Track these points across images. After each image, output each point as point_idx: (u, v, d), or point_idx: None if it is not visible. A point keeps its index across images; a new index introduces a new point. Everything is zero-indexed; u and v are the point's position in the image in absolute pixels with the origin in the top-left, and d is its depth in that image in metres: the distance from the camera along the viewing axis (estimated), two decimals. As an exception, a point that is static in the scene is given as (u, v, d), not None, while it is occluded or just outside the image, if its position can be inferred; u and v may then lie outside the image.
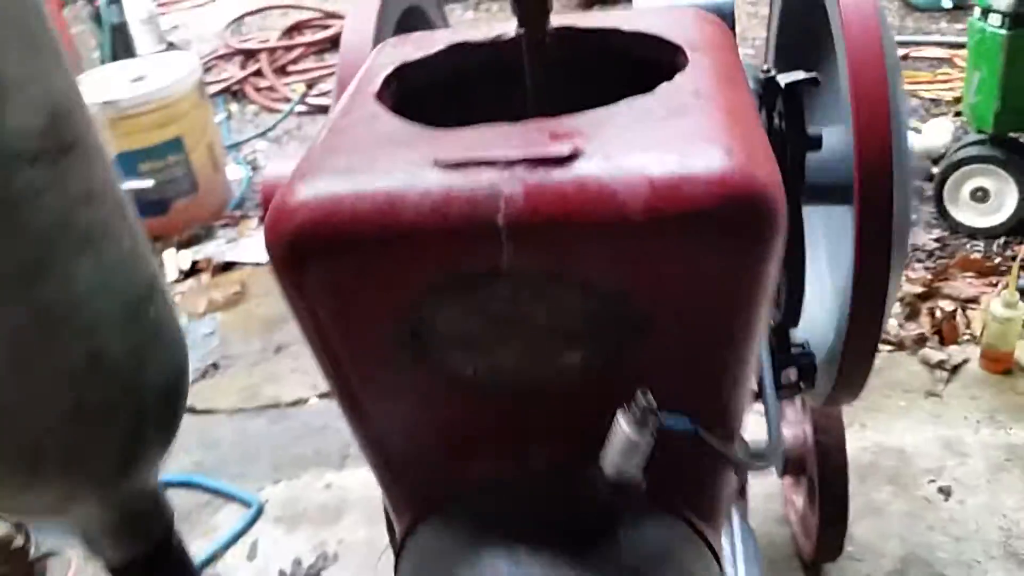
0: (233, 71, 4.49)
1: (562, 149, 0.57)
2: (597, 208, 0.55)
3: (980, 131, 2.52)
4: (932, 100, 3.46)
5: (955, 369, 2.02)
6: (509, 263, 0.56)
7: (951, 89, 3.46)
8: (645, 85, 0.68)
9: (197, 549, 1.90)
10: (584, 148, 0.56)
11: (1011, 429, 1.86)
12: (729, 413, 0.64)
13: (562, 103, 0.71)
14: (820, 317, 1.20)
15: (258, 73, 4.42)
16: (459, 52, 0.78)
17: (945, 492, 1.75)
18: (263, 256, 0.62)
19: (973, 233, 2.58)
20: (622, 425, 0.59)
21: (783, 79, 0.98)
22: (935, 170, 2.90)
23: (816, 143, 1.02)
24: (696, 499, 0.69)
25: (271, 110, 4.25)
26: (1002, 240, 2.53)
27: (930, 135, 3.05)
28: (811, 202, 1.14)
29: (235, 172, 3.56)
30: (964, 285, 2.31)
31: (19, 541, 1.56)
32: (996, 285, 2.28)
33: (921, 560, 1.62)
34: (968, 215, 2.59)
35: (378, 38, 1.07)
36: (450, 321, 0.60)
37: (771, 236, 0.56)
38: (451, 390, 0.63)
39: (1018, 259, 2.07)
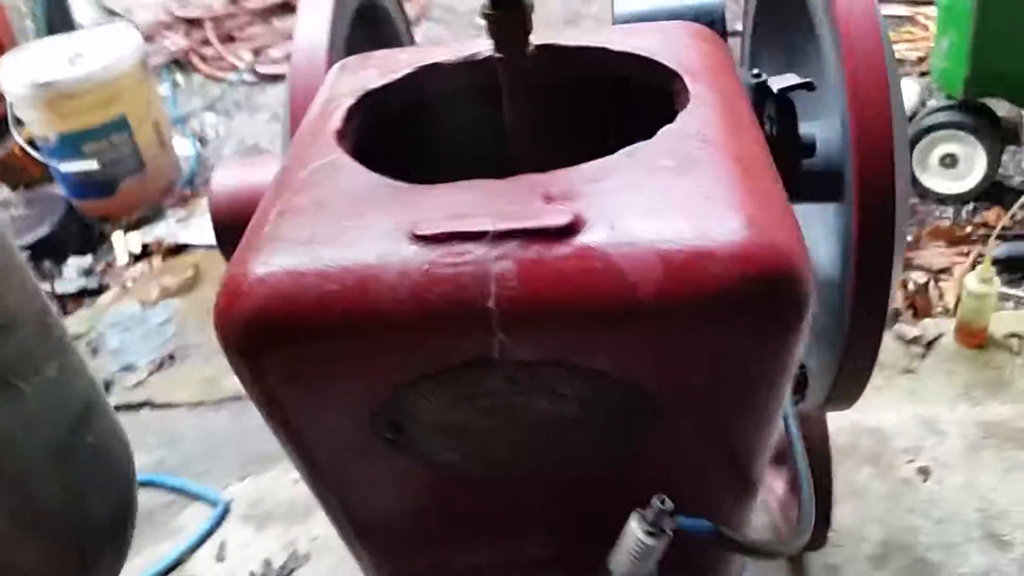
0: (177, 40, 4.29)
1: (560, 219, 0.49)
2: (603, 290, 0.48)
3: (949, 97, 2.48)
4: (898, 60, 3.42)
5: (930, 344, 2.01)
6: (502, 351, 0.49)
7: (915, 49, 3.43)
8: (640, 113, 0.61)
9: (163, 551, 1.85)
10: (584, 215, 0.49)
11: (987, 405, 1.85)
12: (749, 494, 0.59)
13: (544, 130, 0.64)
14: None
15: (204, 42, 4.24)
16: (428, 75, 0.70)
17: (924, 472, 1.74)
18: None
19: (942, 199, 2.56)
20: (636, 530, 0.53)
21: (775, 84, 0.92)
22: (902, 133, 2.88)
23: (810, 149, 0.96)
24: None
25: (218, 79, 4.08)
26: (971, 206, 2.52)
27: (896, 97, 3.02)
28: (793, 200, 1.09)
29: (183, 147, 3.42)
30: (935, 255, 2.29)
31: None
32: (967, 254, 2.27)
33: (902, 544, 1.62)
34: (937, 181, 2.57)
35: (334, 37, 0.99)
36: (434, 411, 0.52)
37: (799, 315, 0.49)
38: (438, 479, 0.56)
39: (994, 233, 2.04)
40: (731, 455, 0.56)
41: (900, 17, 3.77)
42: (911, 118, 2.97)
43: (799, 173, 0.98)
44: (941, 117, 2.51)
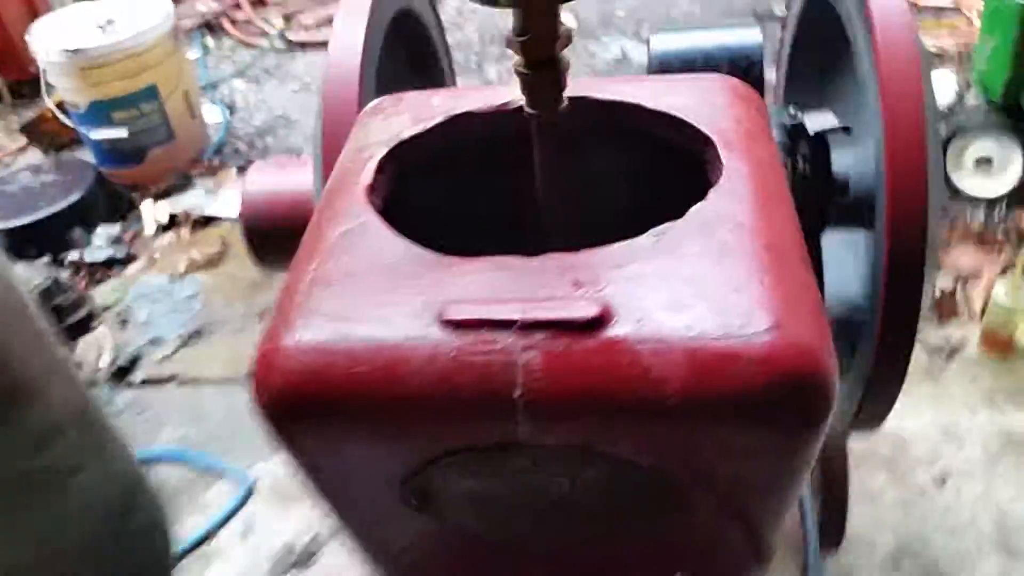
0: (209, 2, 4.28)
1: (588, 311, 0.50)
2: (629, 386, 0.48)
3: (989, 99, 2.44)
4: (936, 54, 3.35)
5: (954, 350, 2.00)
6: (526, 437, 0.50)
7: (957, 42, 3.35)
8: (673, 172, 0.61)
9: (189, 528, 1.90)
10: (612, 305, 0.49)
11: (1009, 414, 1.84)
12: (763, 561, 0.60)
13: (575, 183, 0.64)
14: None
15: (235, 5, 4.23)
16: (461, 124, 0.70)
17: (941, 481, 1.74)
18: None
19: (975, 200, 2.52)
20: None
21: (812, 125, 0.91)
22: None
23: (843, 189, 0.95)
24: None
25: (248, 45, 4.08)
26: (1003, 208, 2.48)
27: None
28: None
29: (213, 114, 3.42)
30: (964, 257, 2.27)
31: None
32: (998, 255, 2.24)
33: (914, 552, 1.63)
34: (970, 181, 2.53)
35: (367, 49, 0.99)
36: (459, 483, 0.54)
37: (822, 415, 0.50)
38: (461, 542, 0.58)
39: (1022, 257, 2.02)
40: (749, 531, 0.57)
41: (943, 9, 3.69)
42: (948, 113, 2.93)
43: (831, 206, 0.98)
44: (979, 117, 2.47)
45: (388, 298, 0.53)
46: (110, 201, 2.89)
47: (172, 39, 2.94)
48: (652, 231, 0.57)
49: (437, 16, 1.22)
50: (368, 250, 0.57)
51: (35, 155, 3.43)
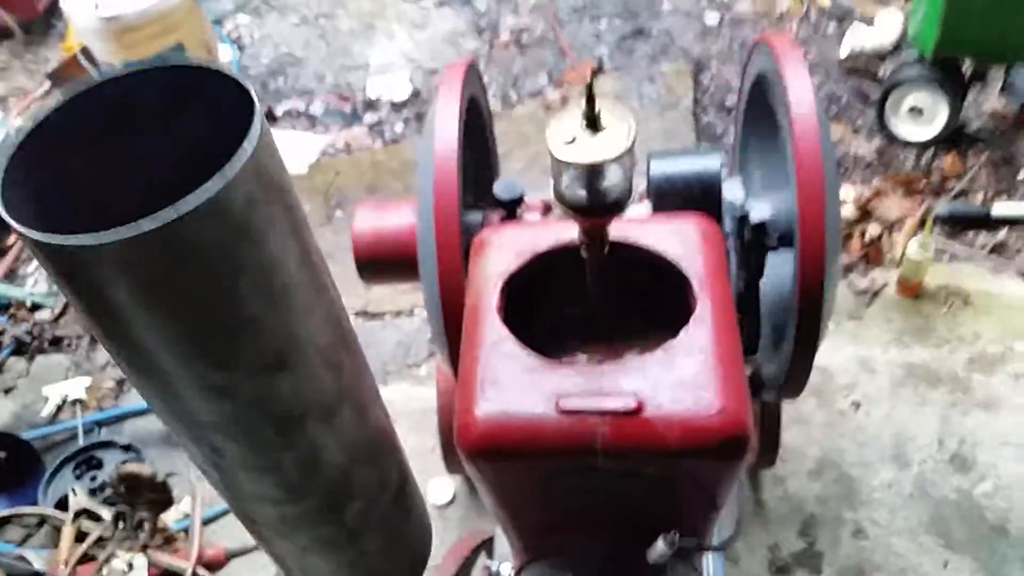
0: (199, -75, 4.39)
1: (632, 404, 0.96)
2: (651, 443, 0.96)
3: (921, 56, 2.81)
4: (887, -18, 3.66)
5: (875, 294, 2.48)
6: (601, 465, 0.98)
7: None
8: (667, 285, 1.07)
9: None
10: (643, 398, 0.95)
11: (913, 349, 2.35)
12: (717, 512, 1.12)
13: (617, 291, 1.10)
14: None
15: (226, -71, 4.35)
16: (543, 256, 1.14)
17: (856, 405, 2.26)
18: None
19: (908, 143, 2.95)
20: (659, 545, 1.05)
21: (753, 216, 1.36)
22: (882, 72, 3.22)
23: (772, 246, 1.41)
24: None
25: (245, -28, 4.25)
26: (931, 151, 2.91)
27: (879, 30, 3.31)
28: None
29: (224, 53, 3.67)
30: (894, 205, 2.72)
31: (160, 476, 2.00)
32: (921, 204, 2.69)
33: (833, 462, 2.17)
34: (905, 128, 2.95)
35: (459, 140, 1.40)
36: (567, 483, 1.04)
37: (744, 455, 0.98)
38: (565, 512, 1.09)
39: (931, 214, 2.48)
40: (711, 503, 1.08)
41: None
42: (892, 51, 3.30)
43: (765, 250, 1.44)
44: (912, 72, 2.85)
45: (527, 391, 0.99)
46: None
47: (192, -1, 3.19)
48: (663, 346, 1.02)
49: (486, 96, 1.60)
50: (509, 358, 1.02)
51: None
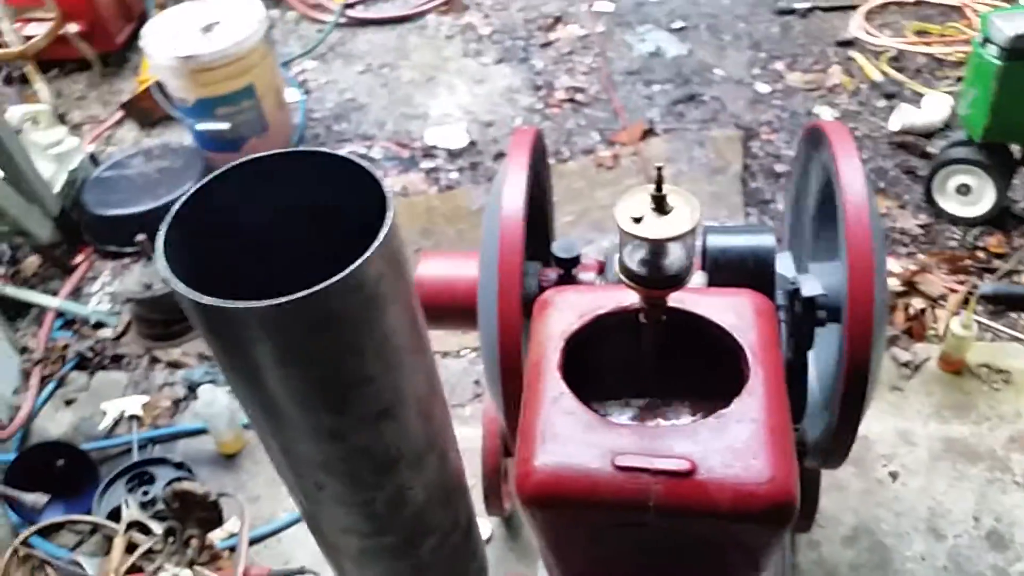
0: (274, -27, 4.60)
1: (685, 466, 1.02)
2: (702, 504, 1.02)
3: (970, 138, 2.87)
4: (937, 59, 3.73)
5: (917, 367, 2.51)
6: (651, 522, 1.04)
7: (956, 48, 3.72)
8: (722, 352, 1.13)
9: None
10: (696, 460, 1.01)
11: (952, 424, 2.38)
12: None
13: (670, 353, 1.17)
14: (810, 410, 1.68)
15: (298, -22, 4.56)
16: (603, 318, 1.21)
17: (894, 475, 2.29)
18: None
19: (954, 220, 3.00)
20: None
21: (804, 291, 1.43)
22: (930, 148, 3.28)
23: (821, 322, 1.47)
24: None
25: (312, 19, 4.44)
26: (977, 231, 2.95)
27: (928, 110, 3.38)
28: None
29: (291, 96, 3.83)
30: (938, 280, 2.76)
31: (212, 495, 2.08)
32: (964, 283, 2.73)
33: (868, 530, 2.19)
34: (951, 205, 3.00)
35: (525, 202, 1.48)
36: (618, 537, 1.09)
37: (790, 522, 1.03)
38: (612, 564, 1.14)
39: (976, 294, 2.52)
40: (754, 566, 1.12)
41: (947, 7, 4.03)
42: (941, 129, 3.36)
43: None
44: (960, 153, 2.91)
45: (584, 446, 1.06)
46: (213, 184, 3.34)
47: (267, 42, 3.35)
48: (715, 415, 1.08)
49: (547, 160, 1.70)
50: (568, 414, 1.09)
51: (131, 128, 3.86)
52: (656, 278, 1.08)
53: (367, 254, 0.84)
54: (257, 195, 0.96)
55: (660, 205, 1.03)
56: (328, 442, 0.97)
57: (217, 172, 0.96)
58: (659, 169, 1.01)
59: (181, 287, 0.82)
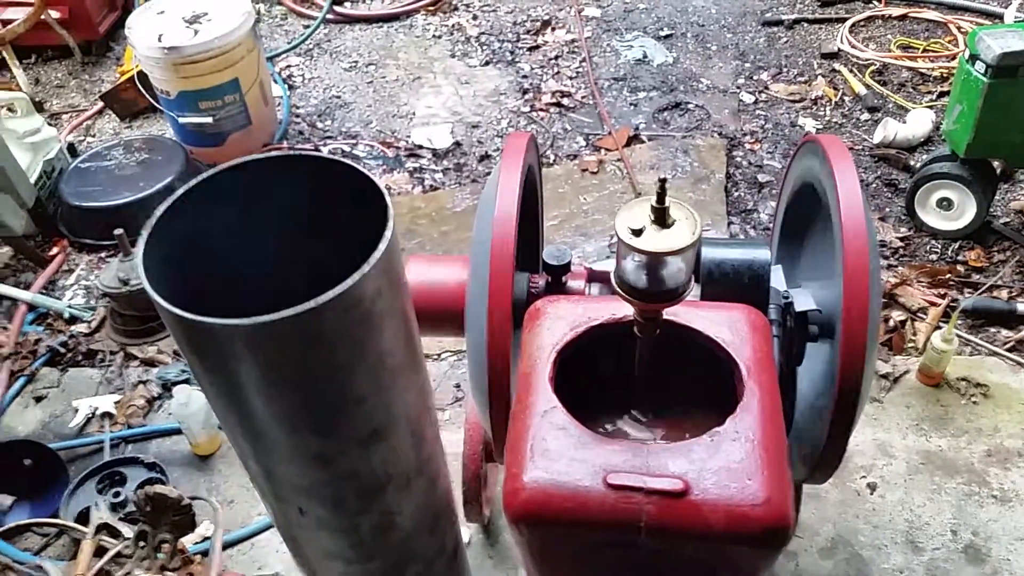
0: (260, -34, 4.55)
1: (678, 486, 1.01)
2: (695, 525, 1.00)
3: (953, 153, 2.89)
4: (920, 74, 3.77)
5: (896, 379, 2.53)
6: (642, 543, 1.02)
7: (938, 67, 3.75)
8: (715, 365, 1.12)
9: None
10: (689, 480, 1.00)
11: (931, 437, 2.39)
12: None
13: (663, 362, 1.16)
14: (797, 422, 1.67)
15: (286, -28, 4.51)
16: (596, 328, 1.20)
17: (872, 487, 2.30)
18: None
19: (935, 234, 3.02)
20: None
21: (798, 305, 1.42)
22: (912, 162, 3.31)
23: (813, 337, 1.46)
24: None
25: (299, 14, 4.40)
26: (957, 245, 2.98)
27: (912, 125, 3.41)
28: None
29: (275, 91, 3.78)
30: (918, 293, 2.77)
31: (185, 499, 2.05)
32: (944, 296, 2.75)
33: (846, 542, 2.19)
34: (933, 219, 3.02)
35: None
36: (607, 556, 1.07)
37: (784, 543, 1.03)
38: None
39: (958, 309, 2.54)
40: None
41: (932, 23, 4.07)
42: (923, 143, 3.39)
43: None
44: (943, 168, 2.93)
45: (575, 462, 1.04)
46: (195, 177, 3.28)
47: (252, 36, 3.31)
48: (708, 433, 1.07)
49: (540, 167, 1.68)
50: (559, 429, 1.07)
51: (111, 119, 3.80)
52: (653, 292, 1.07)
53: (365, 268, 0.79)
54: (245, 201, 0.92)
55: (661, 218, 1.02)
56: (313, 466, 0.92)
57: (201, 177, 0.91)
58: (662, 182, 1.00)
59: (162, 302, 0.77)
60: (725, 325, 1.21)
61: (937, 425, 2.42)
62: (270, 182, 0.91)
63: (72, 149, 3.46)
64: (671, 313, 1.18)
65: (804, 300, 1.45)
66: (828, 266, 1.55)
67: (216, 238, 0.91)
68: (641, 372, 1.22)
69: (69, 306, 2.95)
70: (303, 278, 0.82)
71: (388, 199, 0.86)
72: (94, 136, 3.74)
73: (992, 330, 2.66)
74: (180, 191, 0.87)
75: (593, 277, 1.65)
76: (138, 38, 3.17)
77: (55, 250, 3.19)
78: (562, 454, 1.06)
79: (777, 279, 1.50)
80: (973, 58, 2.68)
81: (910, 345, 2.65)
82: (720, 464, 1.04)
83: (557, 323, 1.22)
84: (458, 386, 2.63)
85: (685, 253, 1.02)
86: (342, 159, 0.92)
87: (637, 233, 1.02)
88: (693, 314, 1.22)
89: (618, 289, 1.10)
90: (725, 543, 1.02)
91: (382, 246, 0.81)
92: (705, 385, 1.20)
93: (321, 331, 0.78)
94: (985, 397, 2.47)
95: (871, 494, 2.29)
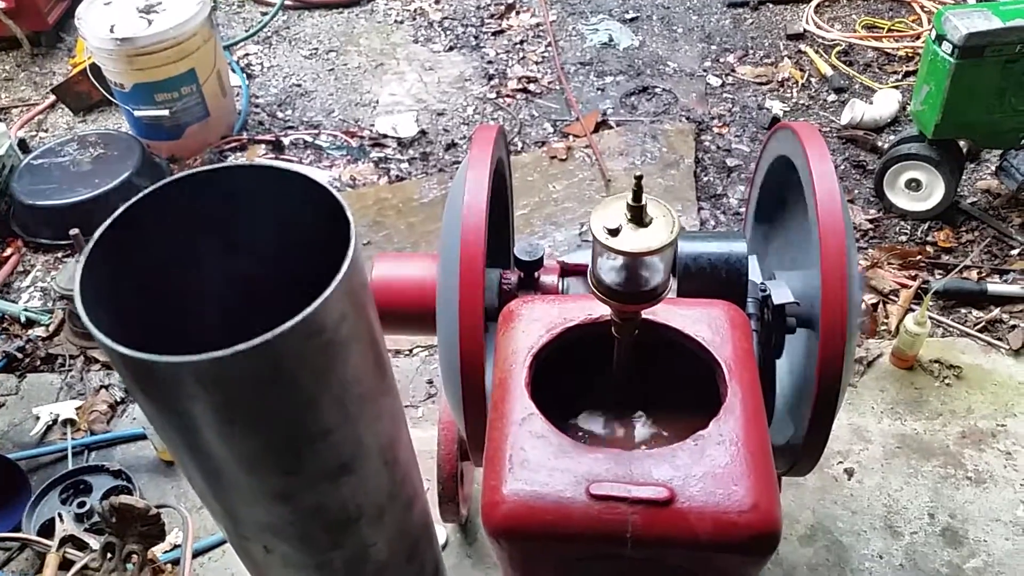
0: (215, -49, 4.43)
1: (663, 494, 0.97)
2: (681, 534, 0.97)
3: (921, 134, 2.88)
4: (886, 54, 3.76)
5: (870, 363, 2.52)
6: (628, 553, 0.99)
7: (903, 47, 3.75)
8: (696, 363, 1.09)
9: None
10: (674, 488, 0.97)
11: (906, 420, 2.39)
12: None
13: (639, 361, 1.12)
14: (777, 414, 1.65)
15: (242, -42, 4.39)
16: (573, 329, 1.16)
17: (849, 472, 2.29)
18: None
19: (904, 215, 3.02)
20: None
21: (776, 299, 1.39)
22: (880, 143, 3.30)
23: (791, 329, 1.44)
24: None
25: (256, 1, 4.29)
26: (926, 225, 2.98)
27: (879, 106, 3.40)
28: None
29: (234, 81, 3.68)
30: (888, 276, 2.77)
31: (154, 509, 1.98)
32: (915, 278, 2.75)
33: (825, 528, 2.19)
34: (902, 200, 3.02)
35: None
36: (592, 570, 1.04)
37: (772, 549, 1.00)
38: None
39: (930, 292, 2.53)
40: None
41: (896, 2, 4.06)
42: (890, 123, 3.39)
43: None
44: (911, 149, 2.92)
45: (556, 473, 1.00)
46: (153, 173, 3.15)
47: (209, 25, 3.21)
48: (692, 437, 1.04)
49: (510, 159, 1.63)
50: (538, 438, 1.03)
51: (64, 113, 3.68)
52: (632, 292, 1.03)
53: (327, 292, 0.70)
54: (196, 216, 0.84)
55: (638, 216, 0.98)
56: (278, 504, 0.84)
57: (146, 192, 0.81)
58: (638, 179, 0.95)
59: (103, 338, 0.68)
60: (705, 323, 1.17)
61: (912, 408, 2.42)
62: (223, 196, 0.84)
63: (23, 145, 3.34)
64: (649, 312, 1.14)
65: (782, 293, 1.42)
66: (803, 253, 1.52)
67: (166, 259, 0.84)
68: (620, 373, 1.18)
69: (25, 309, 2.85)
70: (263, 296, 0.76)
71: (350, 214, 0.78)
72: (46, 131, 3.62)
73: (963, 311, 2.66)
74: (122, 208, 0.78)
75: (566, 271, 1.61)
76: (89, 29, 3.05)
77: (9, 251, 3.08)
78: (542, 464, 1.02)
79: (754, 271, 1.47)
80: (940, 38, 2.67)
81: (883, 328, 2.65)
82: (705, 470, 1.01)
83: (532, 325, 1.18)
84: (431, 382, 2.58)
85: (664, 252, 0.98)
86: (300, 171, 0.84)
87: (614, 233, 0.97)
88: (672, 312, 1.18)
89: (595, 291, 1.06)
90: (712, 551, 0.99)
91: (345, 266, 0.74)
92: (686, 384, 1.17)
93: (280, 364, 0.71)
94: (958, 379, 2.47)
95: (849, 480, 2.28)
